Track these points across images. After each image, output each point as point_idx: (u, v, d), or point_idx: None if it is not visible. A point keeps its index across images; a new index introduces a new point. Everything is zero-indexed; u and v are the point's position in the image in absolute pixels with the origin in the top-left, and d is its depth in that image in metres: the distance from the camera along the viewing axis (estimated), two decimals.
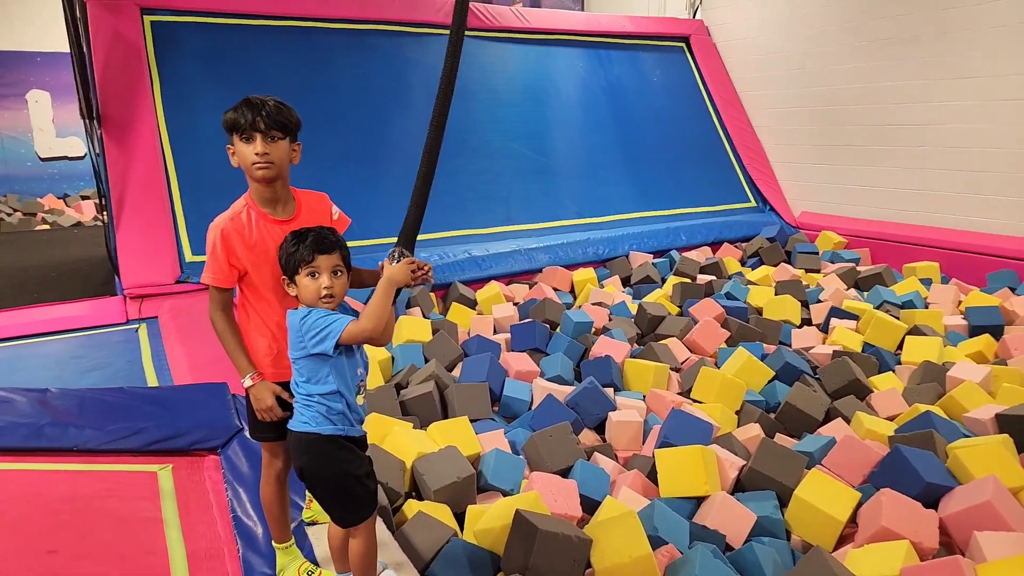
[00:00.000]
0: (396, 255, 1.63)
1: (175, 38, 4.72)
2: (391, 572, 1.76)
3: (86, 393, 2.58)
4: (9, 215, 8.12)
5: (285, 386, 1.60)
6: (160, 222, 4.17)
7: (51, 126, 8.65)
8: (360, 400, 1.55)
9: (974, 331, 3.93)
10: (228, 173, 5.05)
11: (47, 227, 8.18)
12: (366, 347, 1.57)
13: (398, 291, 1.75)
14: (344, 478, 1.51)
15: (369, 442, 2.41)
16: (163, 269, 4.02)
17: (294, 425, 1.52)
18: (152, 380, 3.01)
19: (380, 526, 1.97)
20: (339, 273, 1.49)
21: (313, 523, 1.96)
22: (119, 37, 4.33)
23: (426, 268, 1.56)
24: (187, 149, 4.48)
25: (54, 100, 8.59)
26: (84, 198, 8.82)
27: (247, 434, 2.43)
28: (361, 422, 1.58)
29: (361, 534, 1.56)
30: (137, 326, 3.69)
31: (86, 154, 8.59)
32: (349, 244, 1.90)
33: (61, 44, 6.57)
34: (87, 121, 4.27)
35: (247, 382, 1.58)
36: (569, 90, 6.35)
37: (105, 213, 4.29)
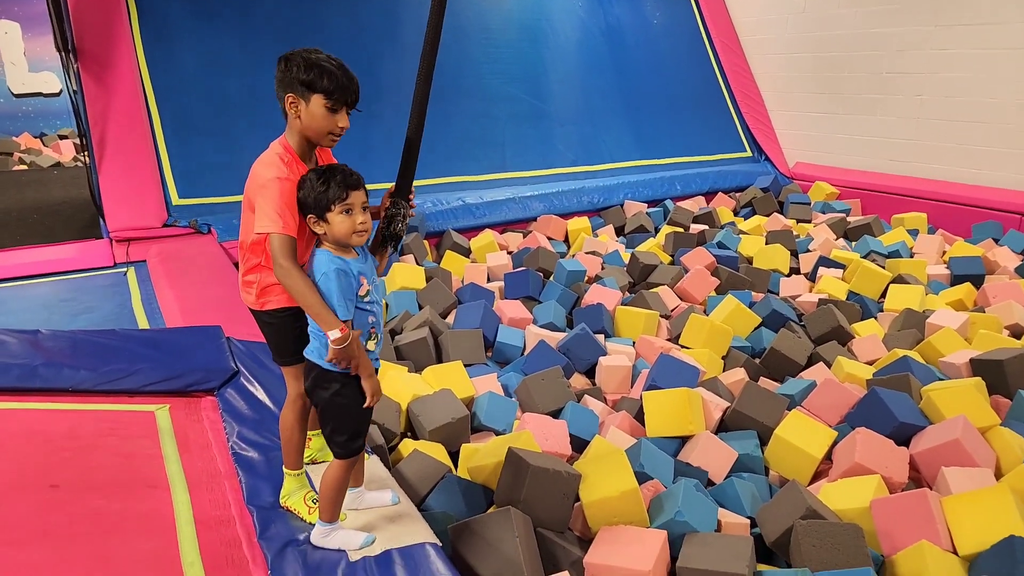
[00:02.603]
0: (399, 206, 1.76)
1: None
2: (367, 536, 1.74)
3: (78, 334, 2.58)
4: None
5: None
6: (144, 163, 4.06)
7: (23, 60, 8.23)
8: (371, 345, 1.58)
9: (956, 280, 4.03)
10: (213, 113, 4.89)
11: (24, 167, 7.92)
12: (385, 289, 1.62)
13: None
14: (333, 408, 1.58)
15: None
16: (149, 212, 3.95)
17: (306, 351, 1.60)
18: (143, 323, 3.01)
19: (376, 464, 2.03)
20: (366, 208, 1.53)
21: (312, 462, 2.02)
22: None
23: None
24: (169, 88, 4.30)
25: (25, 31, 8.13)
26: (62, 137, 8.50)
27: (244, 377, 2.47)
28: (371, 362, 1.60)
29: (336, 466, 1.62)
30: (125, 269, 3.66)
31: (62, 90, 8.23)
32: None
33: None
34: (62, 55, 4.07)
35: (336, 334, 1.46)
36: (567, 31, 6.13)
37: (86, 153, 4.17)
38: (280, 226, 1.48)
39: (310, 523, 1.75)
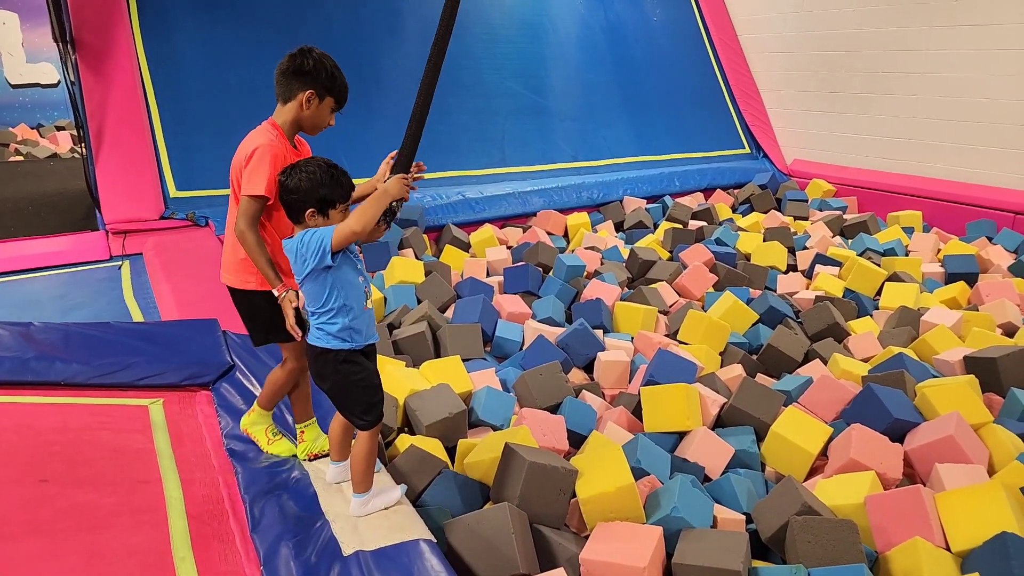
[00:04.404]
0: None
1: None
2: (401, 488, 1.84)
3: (71, 327, 2.55)
4: None
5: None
6: (142, 155, 4.03)
7: (21, 50, 8.16)
8: (369, 304, 1.68)
9: (950, 278, 4.04)
10: (212, 105, 4.85)
11: (20, 159, 7.86)
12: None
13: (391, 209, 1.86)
14: (349, 387, 1.68)
15: None
16: (146, 204, 3.93)
17: (309, 338, 1.69)
18: (137, 317, 2.98)
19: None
20: None
21: (309, 458, 2.01)
22: None
23: (418, 174, 1.82)
24: (168, 79, 4.28)
25: (23, 22, 8.07)
26: (59, 128, 8.45)
27: (239, 370, 2.45)
28: (369, 328, 1.70)
29: (363, 439, 1.72)
30: (120, 263, 3.63)
31: (60, 81, 8.17)
32: None
33: None
34: (60, 46, 4.03)
35: (278, 292, 1.74)
36: (567, 27, 6.13)
37: (83, 145, 4.13)
38: (259, 187, 1.68)
39: (268, 453, 1.96)
